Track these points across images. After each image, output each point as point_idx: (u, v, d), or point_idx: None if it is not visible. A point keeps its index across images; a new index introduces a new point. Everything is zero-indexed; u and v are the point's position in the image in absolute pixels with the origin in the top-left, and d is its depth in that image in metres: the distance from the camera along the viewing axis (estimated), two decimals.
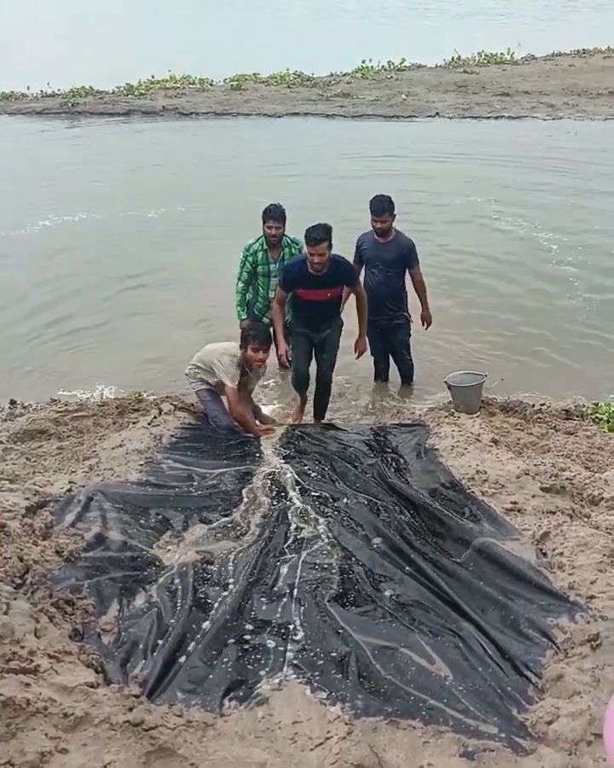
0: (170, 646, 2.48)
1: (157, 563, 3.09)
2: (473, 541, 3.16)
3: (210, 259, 8.33)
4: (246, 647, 2.54)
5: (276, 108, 16.97)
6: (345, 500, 3.75)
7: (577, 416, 5.12)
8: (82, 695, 2.09)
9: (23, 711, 1.94)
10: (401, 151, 13.79)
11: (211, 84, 19.13)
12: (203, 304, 7.52)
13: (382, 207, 5.37)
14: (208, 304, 7.41)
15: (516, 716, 2.25)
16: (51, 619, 2.44)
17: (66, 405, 5.13)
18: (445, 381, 5.13)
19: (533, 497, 3.50)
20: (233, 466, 4.22)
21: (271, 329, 5.22)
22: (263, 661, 2.47)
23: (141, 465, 3.98)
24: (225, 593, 2.84)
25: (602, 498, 3.59)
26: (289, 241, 5.60)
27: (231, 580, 2.94)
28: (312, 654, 2.50)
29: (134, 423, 4.72)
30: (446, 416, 4.83)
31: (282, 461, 4.35)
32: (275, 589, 2.89)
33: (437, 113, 16.38)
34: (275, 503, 3.71)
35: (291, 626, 2.64)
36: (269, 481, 4.01)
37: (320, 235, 4.75)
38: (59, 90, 17.93)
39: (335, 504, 3.71)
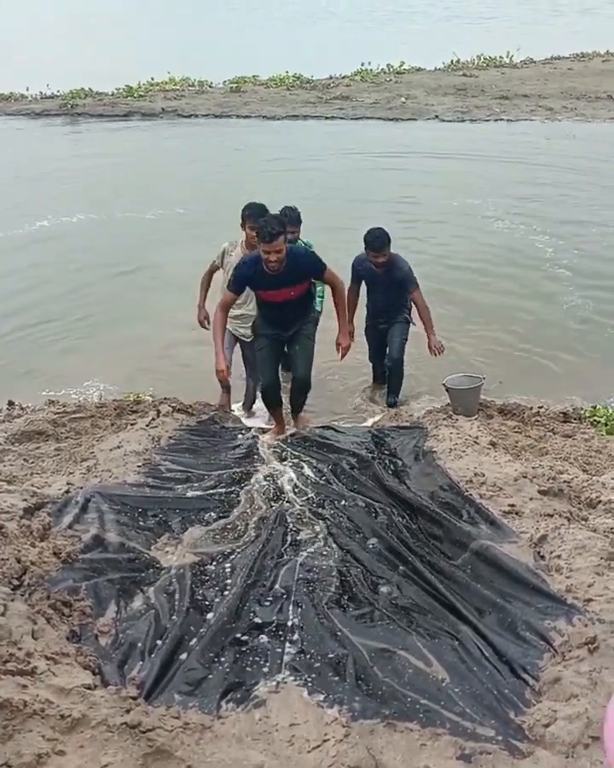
0: (168, 648, 2.48)
1: (155, 565, 3.09)
2: (471, 544, 3.16)
3: (208, 261, 8.34)
4: (243, 649, 2.54)
5: (275, 111, 16.99)
6: (343, 502, 3.75)
7: (575, 419, 5.13)
8: (79, 696, 2.09)
9: (20, 712, 1.94)
10: (399, 153, 13.81)
11: (210, 86, 19.13)
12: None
13: (379, 243, 5.07)
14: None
15: (513, 719, 2.25)
16: (48, 621, 2.43)
17: (64, 407, 5.13)
18: (443, 384, 5.12)
19: (531, 499, 3.50)
20: (231, 468, 4.22)
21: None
22: (260, 663, 2.47)
23: (139, 467, 3.98)
24: (223, 595, 2.84)
25: (600, 501, 3.59)
26: (303, 244, 5.28)
27: (229, 582, 2.94)
28: (310, 656, 2.50)
29: (132, 425, 4.72)
30: (444, 419, 4.83)
31: (280, 463, 4.35)
32: (273, 591, 2.89)
33: (436, 116, 16.40)
34: (272, 505, 3.71)
35: (288, 628, 2.64)
36: (267, 483, 4.01)
37: (275, 228, 4.12)
38: (58, 91, 17.92)
39: (333, 507, 3.71)
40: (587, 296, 7.84)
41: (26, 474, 3.95)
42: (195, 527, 3.43)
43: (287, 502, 3.77)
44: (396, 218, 10.30)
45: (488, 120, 16.15)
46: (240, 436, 4.87)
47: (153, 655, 2.46)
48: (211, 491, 3.83)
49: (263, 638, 2.59)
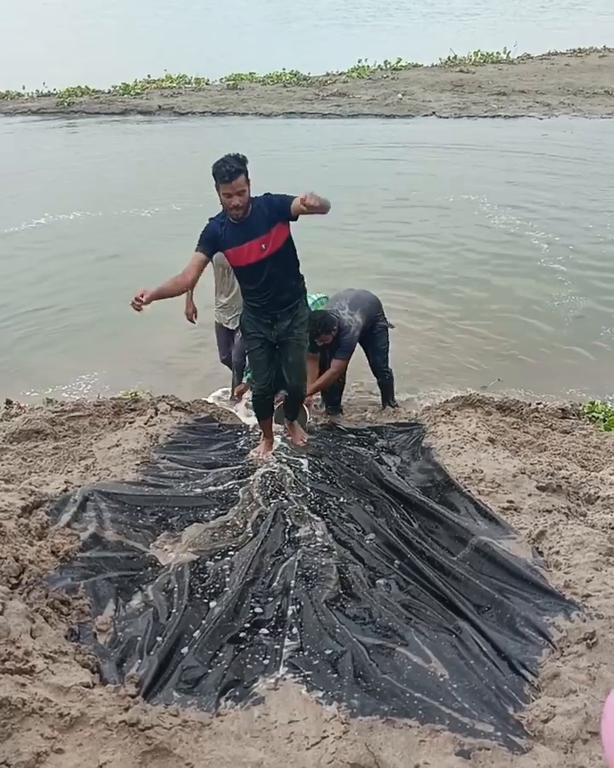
0: (167, 646, 2.48)
1: (153, 563, 3.09)
2: (470, 540, 3.16)
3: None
4: (242, 646, 2.54)
5: (272, 108, 16.97)
6: (342, 499, 3.75)
7: (574, 415, 5.14)
8: (78, 695, 2.09)
9: (19, 711, 1.94)
10: (395, 150, 13.81)
11: (207, 84, 19.12)
12: (197, 304, 7.54)
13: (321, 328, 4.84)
14: (204, 304, 7.42)
15: (512, 714, 2.25)
16: (47, 620, 2.43)
17: (62, 405, 5.13)
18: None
19: (529, 495, 3.51)
20: (229, 465, 4.22)
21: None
22: (259, 661, 2.47)
23: (138, 465, 3.98)
24: (222, 593, 2.84)
25: (598, 497, 3.60)
26: None
27: (227, 580, 2.94)
28: (308, 653, 2.50)
29: (130, 423, 4.72)
30: (442, 415, 4.83)
31: (278, 460, 4.35)
32: (272, 588, 2.89)
33: (434, 113, 16.39)
34: (271, 502, 3.71)
35: (287, 626, 2.64)
36: (265, 481, 4.01)
37: (233, 166, 3.67)
38: (55, 89, 17.91)
39: (331, 504, 3.71)
40: (584, 292, 7.85)
41: (25, 472, 3.95)
42: (194, 525, 3.42)
43: (286, 499, 3.77)
44: (392, 214, 10.32)
45: (485, 116, 16.14)
46: (237, 433, 4.87)
47: (151, 653, 2.46)
48: (210, 489, 3.83)
49: (262, 635, 2.59)
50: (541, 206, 10.54)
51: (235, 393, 5.71)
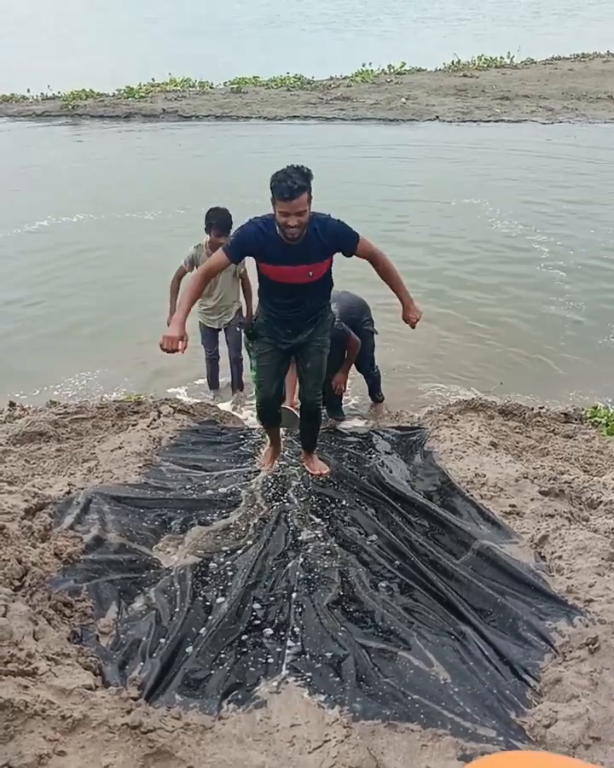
0: (169, 648, 2.48)
1: (156, 566, 3.10)
2: (472, 544, 3.16)
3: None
4: (244, 649, 2.54)
5: (276, 111, 17.01)
6: (344, 502, 3.75)
7: (576, 420, 5.14)
8: (80, 697, 2.09)
9: (21, 713, 1.94)
10: (399, 154, 13.84)
11: (211, 87, 19.17)
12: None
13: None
14: None
15: (514, 719, 2.25)
16: (50, 622, 2.44)
17: (65, 408, 5.13)
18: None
19: (532, 500, 3.50)
20: (232, 468, 4.22)
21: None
22: (261, 664, 2.47)
23: (141, 467, 3.98)
24: (224, 595, 2.84)
25: (601, 502, 3.59)
26: None
27: (230, 583, 2.94)
28: (311, 656, 2.50)
29: (133, 426, 4.73)
30: (445, 419, 4.83)
31: (281, 463, 4.35)
32: (274, 591, 2.89)
33: (437, 117, 16.42)
34: (273, 505, 3.71)
35: (289, 629, 2.64)
36: (268, 483, 4.01)
37: (297, 181, 3.15)
38: (59, 92, 17.95)
39: (334, 507, 3.71)
40: (586, 297, 7.86)
41: (28, 474, 3.96)
42: (196, 528, 3.43)
43: (288, 502, 3.77)
44: (395, 218, 10.33)
45: (488, 121, 16.17)
46: (240, 436, 4.87)
47: (154, 656, 2.46)
48: (212, 492, 3.83)
49: (265, 638, 2.59)
50: (543, 211, 10.55)
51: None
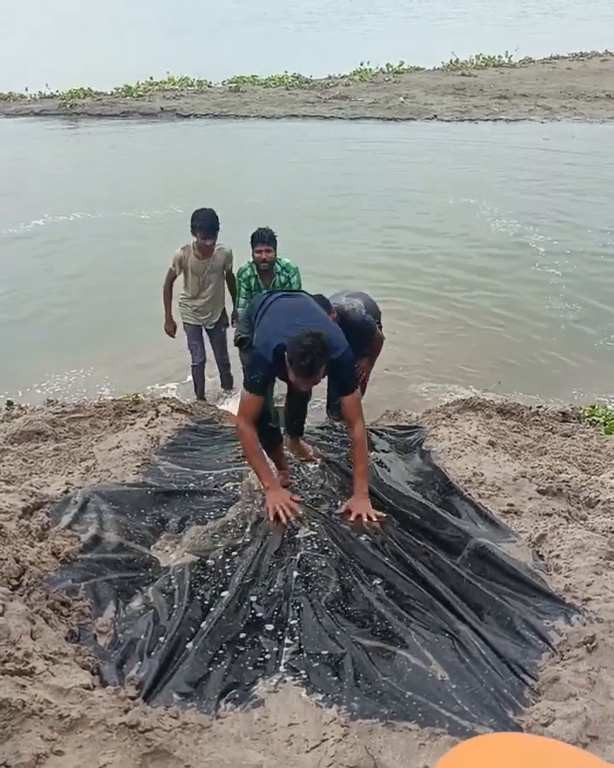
0: (167, 648, 2.48)
1: (153, 565, 3.09)
2: (470, 543, 3.16)
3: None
4: (242, 648, 2.54)
5: (274, 110, 17.00)
6: (341, 502, 3.75)
7: (574, 419, 5.14)
8: (78, 696, 2.09)
9: (18, 713, 1.94)
10: (396, 153, 13.84)
11: (209, 86, 19.14)
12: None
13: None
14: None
15: (512, 718, 2.25)
16: (47, 621, 2.43)
17: (63, 407, 5.13)
18: None
19: (530, 499, 3.51)
20: (229, 467, 4.22)
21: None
22: (259, 663, 2.47)
23: (138, 466, 3.98)
24: (221, 594, 2.84)
25: (599, 501, 3.60)
26: (281, 268, 5.20)
27: (227, 581, 2.94)
28: (308, 655, 2.49)
29: (131, 425, 4.73)
30: (443, 419, 4.83)
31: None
32: (272, 590, 2.89)
33: (435, 116, 16.42)
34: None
35: (287, 628, 2.64)
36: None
37: (317, 360, 3.19)
38: (57, 91, 17.92)
39: (331, 506, 3.71)
40: (583, 296, 7.87)
41: (25, 473, 3.95)
42: (194, 527, 3.43)
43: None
44: (392, 217, 10.34)
45: (486, 120, 16.17)
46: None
47: (151, 655, 2.46)
48: (210, 491, 3.83)
49: (262, 638, 2.59)
50: (541, 210, 10.57)
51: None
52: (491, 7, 33.51)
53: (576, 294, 7.90)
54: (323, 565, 3.08)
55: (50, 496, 3.38)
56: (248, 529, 3.43)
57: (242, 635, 2.61)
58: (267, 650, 2.53)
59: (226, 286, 5.63)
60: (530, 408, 5.25)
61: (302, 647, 2.54)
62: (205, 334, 5.80)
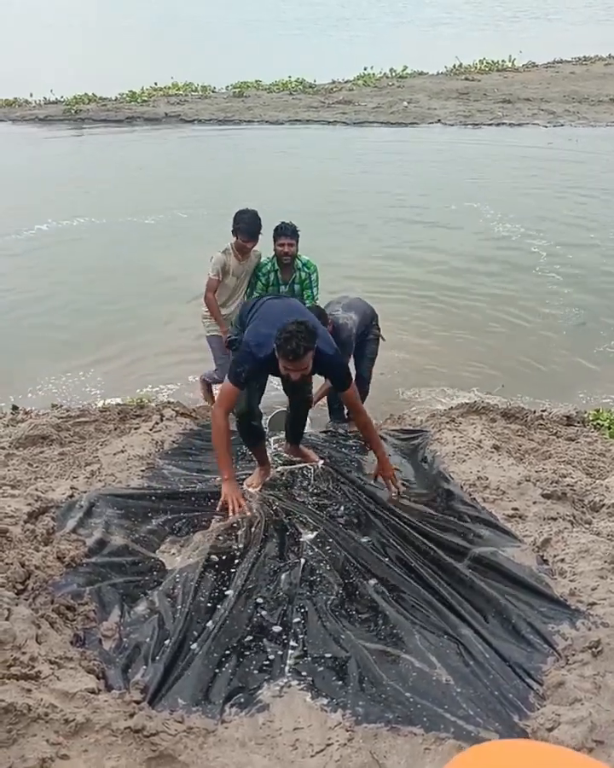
0: (172, 652, 2.48)
1: (158, 569, 3.10)
2: (474, 547, 3.16)
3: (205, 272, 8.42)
4: (246, 653, 2.54)
5: (278, 115, 17.05)
6: (345, 506, 3.75)
7: (579, 422, 5.14)
8: (83, 701, 2.09)
9: (24, 717, 1.94)
10: (400, 157, 13.86)
11: (213, 91, 19.22)
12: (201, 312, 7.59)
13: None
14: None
15: (517, 723, 2.24)
16: (52, 625, 2.44)
17: (67, 411, 5.14)
18: None
19: (534, 503, 3.50)
20: (234, 470, 4.22)
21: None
22: (263, 667, 2.47)
23: (143, 471, 3.99)
24: (226, 598, 2.84)
25: (603, 505, 3.59)
26: (302, 264, 5.15)
27: (231, 586, 2.94)
28: (313, 660, 2.49)
29: (135, 429, 4.73)
30: (447, 423, 4.83)
31: (282, 466, 4.35)
32: (276, 594, 2.89)
33: (439, 120, 16.46)
34: (274, 508, 3.71)
35: (291, 632, 2.64)
36: (269, 487, 4.01)
37: (302, 344, 3.30)
38: (62, 97, 18.02)
39: (335, 510, 3.71)
40: (587, 300, 7.87)
41: (31, 478, 3.96)
42: (199, 531, 3.43)
43: (290, 505, 3.76)
44: (395, 222, 10.36)
45: (490, 124, 16.20)
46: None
47: (156, 659, 2.46)
48: (214, 495, 3.83)
49: (266, 642, 2.59)
50: (544, 214, 10.57)
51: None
52: (484, 12, 33.57)
53: (579, 298, 7.90)
54: (327, 569, 3.08)
55: (55, 500, 3.38)
56: (252, 533, 3.43)
57: (247, 639, 2.61)
58: (271, 654, 2.53)
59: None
60: (534, 412, 5.24)
61: (306, 651, 2.54)
62: None
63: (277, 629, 2.67)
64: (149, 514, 3.51)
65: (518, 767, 0.88)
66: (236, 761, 2.03)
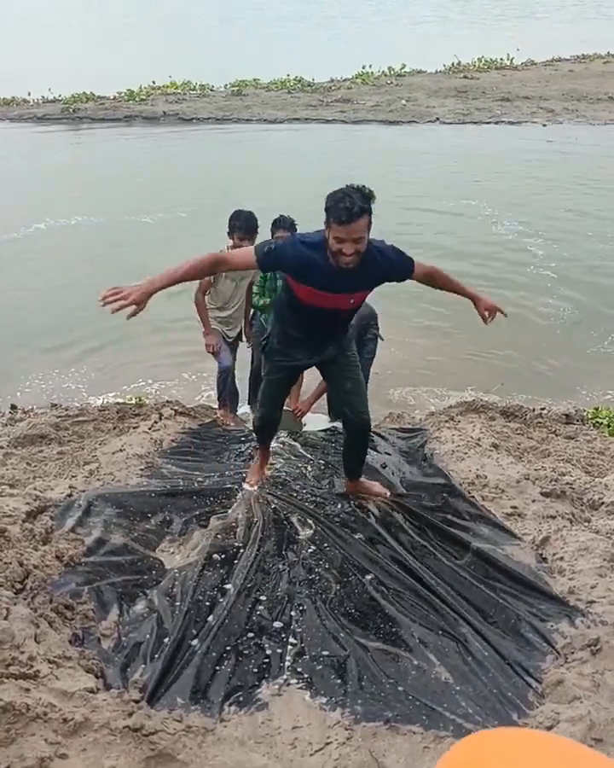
0: (170, 651, 2.48)
1: (157, 568, 3.09)
2: (473, 545, 3.16)
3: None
4: (245, 651, 2.54)
5: (277, 114, 17.03)
6: (343, 504, 3.75)
7: (578, 421, 5.13)
8: (82, 700, 2.09)
9: (23, 716, 1.94)
10: (399, 156, 13.85)
11: (211, 90, 19.18)
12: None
13: None
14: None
15: (516, 721, 2.24)
16: (51, 624, 2.44)
17: (66, 410, 5.14)
18: None
19: (533, 501, 3.50)
20: (232, 470, 4.22)
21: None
22: (262, 666, 2.47)
23: (142, 470, 3.98)
24: (224, 597, 2.84)
25: (602, 503, 3.59)
26: None
27: (230, 584, 2.94)
28: (312, 658, 2.49)
29: (134, 428, 4.73)
30: (446, 421, 4.83)
31: (281, 464, 4.35)
32: (275, 593, 2.89)
33: (438, 119, 16.44)
34: (274, 506, 3.71)
35: (290, 631, 2.64)
36: (268, 485, 4.01)
37: (357, 203, 2.83)
38: (60, 95, 17.96)
39: (334, 508, 3.71)
40: (585, 298, 7.87)
41: (29, 477, 3.96)
42: (197, 530, 3.43)
43: (288, 503, 3.76)
44: (394, 220, 10.33)
45: (489, 122, 16.18)
46: (241, 438, 4.88)
47: (155, 658, 2.46)
48: (213, 494, 3.83)
49: (265, 641, 2.59)
50: (542, 213, 10.57)
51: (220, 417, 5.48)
52: (470, 11, 33.53)
53: (577, 296, 7.90)
54: (326, 567, 3.09)
55: (54, 499, 3.38)
56: (251, 531, 3.43)
57: (246, 637, 2.61)
58: (270, 653, 2.52)
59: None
60: (533, 410, 5.24)
61: (305, 649, 2.54)
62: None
63: (276, 627, 2.67)
64: (148, 513, 3.51)
65: (516, 754, 0.87)
66: (235, 760, 2.02)
